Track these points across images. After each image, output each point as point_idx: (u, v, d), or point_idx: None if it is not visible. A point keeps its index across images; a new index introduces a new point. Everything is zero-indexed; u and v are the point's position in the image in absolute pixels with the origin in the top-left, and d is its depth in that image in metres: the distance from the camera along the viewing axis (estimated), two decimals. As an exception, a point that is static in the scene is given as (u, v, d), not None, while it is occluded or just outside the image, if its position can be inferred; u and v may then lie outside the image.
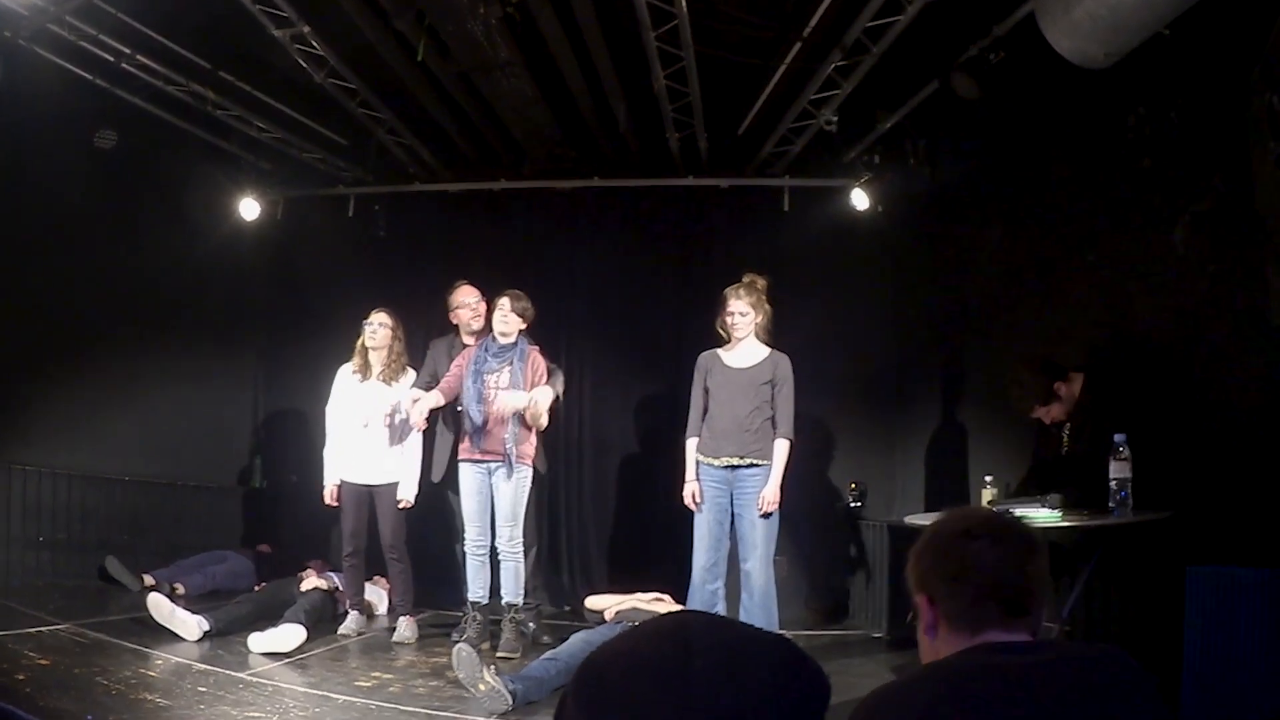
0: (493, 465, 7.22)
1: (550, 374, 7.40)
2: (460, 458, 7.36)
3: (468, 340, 7.68)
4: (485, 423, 7.15)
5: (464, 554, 7.40)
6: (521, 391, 7.11)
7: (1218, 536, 4.91)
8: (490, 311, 7.48)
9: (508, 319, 7.28)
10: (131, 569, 8.05)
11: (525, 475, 7.27)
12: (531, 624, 7.65)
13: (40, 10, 6.94)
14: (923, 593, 2.20)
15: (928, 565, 2.20)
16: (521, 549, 7.27)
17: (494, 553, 7.31)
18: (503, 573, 7.27)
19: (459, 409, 7.41)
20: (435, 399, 7.26)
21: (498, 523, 7.23)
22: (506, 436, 7.13)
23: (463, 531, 7.42)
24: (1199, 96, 5.46)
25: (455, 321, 8.03)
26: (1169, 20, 5.19)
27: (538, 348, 7.51)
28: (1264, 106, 4.76)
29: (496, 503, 7.24)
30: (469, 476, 7.29)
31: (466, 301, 7.94)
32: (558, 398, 7.40)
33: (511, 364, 7.23)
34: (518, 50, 7.70)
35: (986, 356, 7.94)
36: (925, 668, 2.08)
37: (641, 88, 8.28)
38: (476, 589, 7.32)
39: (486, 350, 7.32)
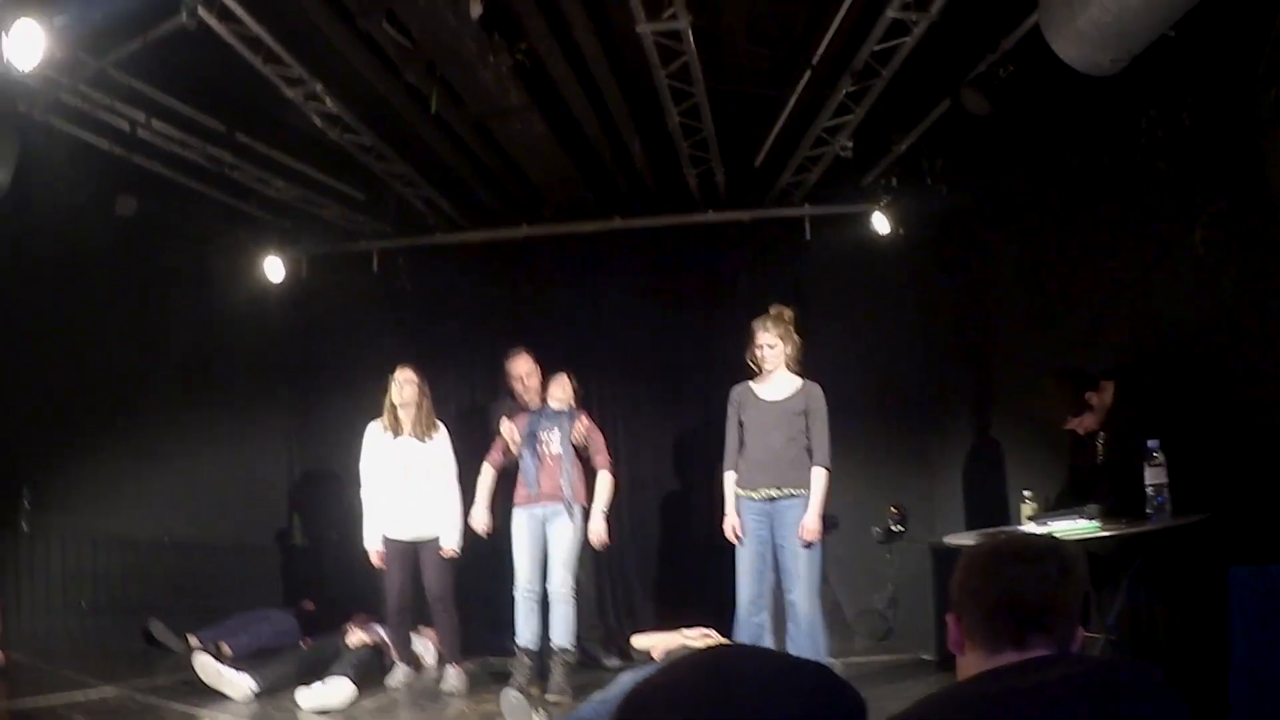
0: (549, 510, 7.45)
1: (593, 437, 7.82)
2: (516, 504, 7.58)
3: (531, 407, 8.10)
4: (539, 470, 7.52)
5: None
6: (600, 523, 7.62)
7: (1258, 536, 4.87)
8: (546, 384, 7.95)
9: (565, 391, 7.83)
10: (176, 631, 8.06)
11: (580, 518, 7.49)
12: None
13: (53, 82, 7.02)
14: (953, 610, 2.23)
15: (957, 583, 2.23)
16: (574, 592, 7.37)
17: (544, 598, 7.40)
18: (553, 615, 7.35)
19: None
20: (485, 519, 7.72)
21: (552, 565, 7.36)
22: (562, 481, 7.44)
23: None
24: (1209, 95, 5.45)
25: (511, 387, 8.38)
26: (1173, 22, 5.18)
27: (585, 413, 7.91)
28: (1272, 99, 4.75)
29: (552, 547, 7.40)
30: (523, 522, 7.49)
31: (516, 374, 8.29)
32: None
33: (562, 425, 7.65)
34: (530, 95, 7.77)
35: (1016, 370, 7.92)
36: (930, 699, 2.09)
37: (655, 125, 8.33)
38: (526, 635, 7.35)
39: (541, 414, 7.79)
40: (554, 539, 7.42)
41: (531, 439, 7.63)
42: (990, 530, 6.09)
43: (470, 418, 10.14)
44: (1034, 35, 6.18)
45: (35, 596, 7.57)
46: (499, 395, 9.05)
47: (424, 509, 7.50)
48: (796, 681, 1.51)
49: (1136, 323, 6.34)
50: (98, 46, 6.87)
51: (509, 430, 7.70)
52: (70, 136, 7.68)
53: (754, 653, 1.54)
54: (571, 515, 7.45)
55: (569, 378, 7.92)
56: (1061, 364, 6.44)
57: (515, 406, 8.22)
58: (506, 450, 7.77)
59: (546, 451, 7.60)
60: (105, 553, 8.20)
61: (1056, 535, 5.20)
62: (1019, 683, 1.95)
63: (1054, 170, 7.27)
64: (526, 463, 7.58)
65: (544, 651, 7.44)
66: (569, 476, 7.49)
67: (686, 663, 1.55)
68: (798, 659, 1.59)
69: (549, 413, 7.76)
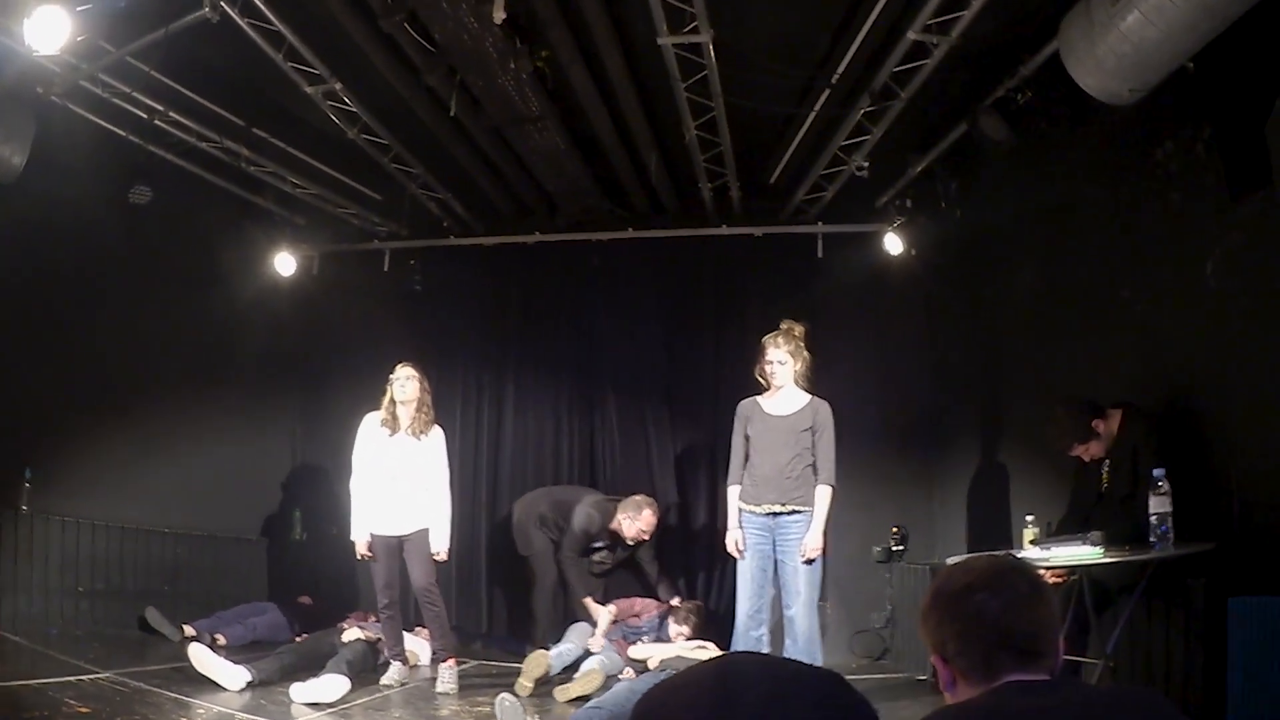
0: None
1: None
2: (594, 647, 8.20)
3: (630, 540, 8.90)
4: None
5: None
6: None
7: (1259, 567, 4.87)
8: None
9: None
10: (172, 619, 8.07)
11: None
12: None
13: (72, 67, 7.08)
14: (936, 653, 2.20)
15: (934, 625, 2.20)
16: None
17: None
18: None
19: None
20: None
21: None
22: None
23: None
24: (1225, 129, 5.45)
25: (621, 528, 8.81)
26: (1192, 54, 5.20)
27: None
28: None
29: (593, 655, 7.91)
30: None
31: (646, 526, 8.76)
32: None
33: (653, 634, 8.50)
34: (549, 104, 7.80)
35: (1024, 395, 7.90)
36: (952, 708, 2.08)
37: (673, 138, 8.36)
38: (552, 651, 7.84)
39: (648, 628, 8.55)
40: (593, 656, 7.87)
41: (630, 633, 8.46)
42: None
43: (475, 420, 10.20)
44: (1054, 63, 6.21)
45: (32, 578, 7.55)
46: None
47: (409, 505, 7.42)
48: (808, 688, 1.52)
49: (1145, 352, 6.32)
50: (118, 35, 6.92)
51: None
52: (87, 123, 7.72)
53: (765, 660, 1.55)
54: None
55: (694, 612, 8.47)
56: (1070, 391, 6.43)
57: (606, 534, 8.90)
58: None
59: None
60: (104, 538, 8.20)
61: (1056, 560, 5.25)
62: (1030, 703, 1.95)
63: (1068, 197, 7.27)
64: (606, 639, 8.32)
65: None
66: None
67: (699, 670, 1.56)
68: (809, 666, 1.59)
69: (654, 624, 8.51)
